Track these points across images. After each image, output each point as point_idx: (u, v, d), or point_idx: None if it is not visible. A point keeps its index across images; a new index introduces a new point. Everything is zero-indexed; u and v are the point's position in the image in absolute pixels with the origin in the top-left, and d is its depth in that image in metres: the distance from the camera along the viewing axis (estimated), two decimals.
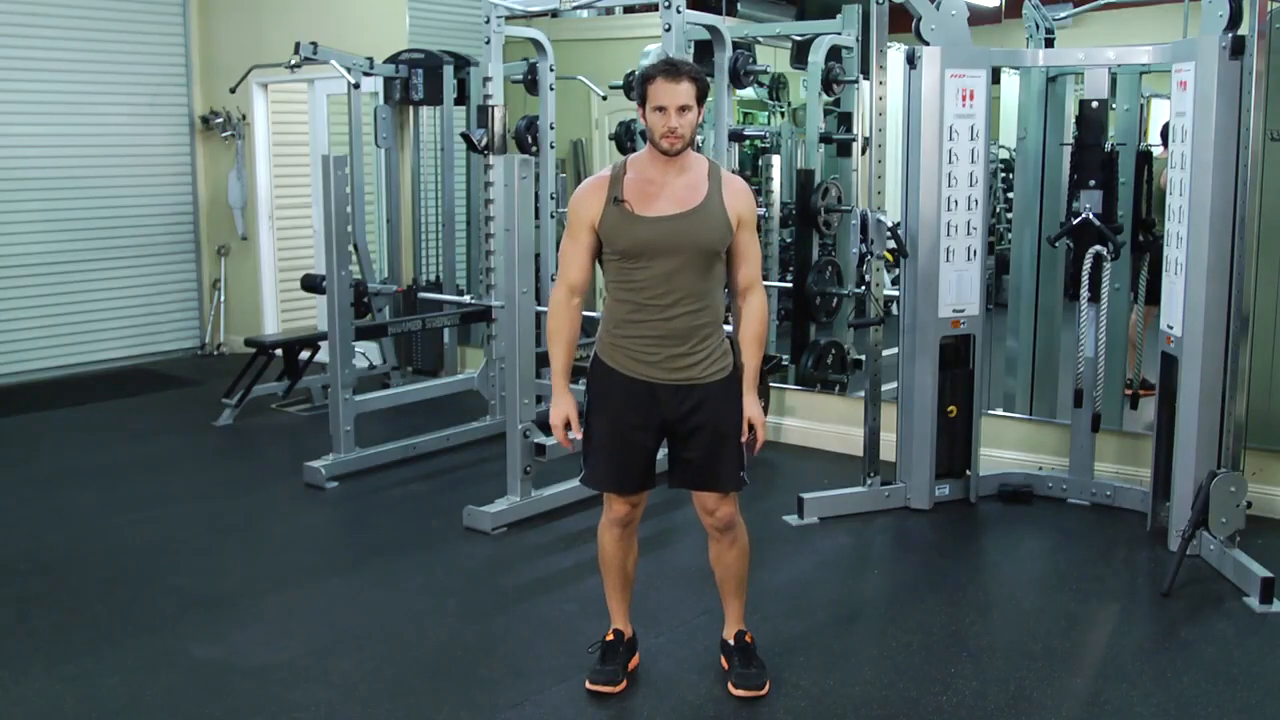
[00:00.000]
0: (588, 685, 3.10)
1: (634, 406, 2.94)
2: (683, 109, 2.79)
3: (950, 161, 4.44)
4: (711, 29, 5.31)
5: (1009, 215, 5.92)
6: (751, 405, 2.98)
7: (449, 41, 6.87)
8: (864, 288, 4.61)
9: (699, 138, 5.33)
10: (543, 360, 5.38)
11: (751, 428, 2.97)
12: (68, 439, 5.96)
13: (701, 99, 2.84)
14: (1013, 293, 5.30)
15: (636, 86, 2.88)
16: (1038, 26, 4.88)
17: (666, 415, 2.94)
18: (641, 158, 2.92)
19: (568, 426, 2.98)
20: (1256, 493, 4.19)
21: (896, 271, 4.69)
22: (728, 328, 3.04)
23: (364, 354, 6.55)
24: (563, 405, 2.98)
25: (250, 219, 7.95)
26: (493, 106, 5.40)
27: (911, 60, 4.41)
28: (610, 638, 3.18)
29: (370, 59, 6.52)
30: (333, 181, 4.91)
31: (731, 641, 3.16)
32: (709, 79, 2.94)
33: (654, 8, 5.05)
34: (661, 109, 2.80)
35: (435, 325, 6.01)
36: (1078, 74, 4.77)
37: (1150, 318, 4.75)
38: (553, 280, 5.84)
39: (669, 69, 2.81)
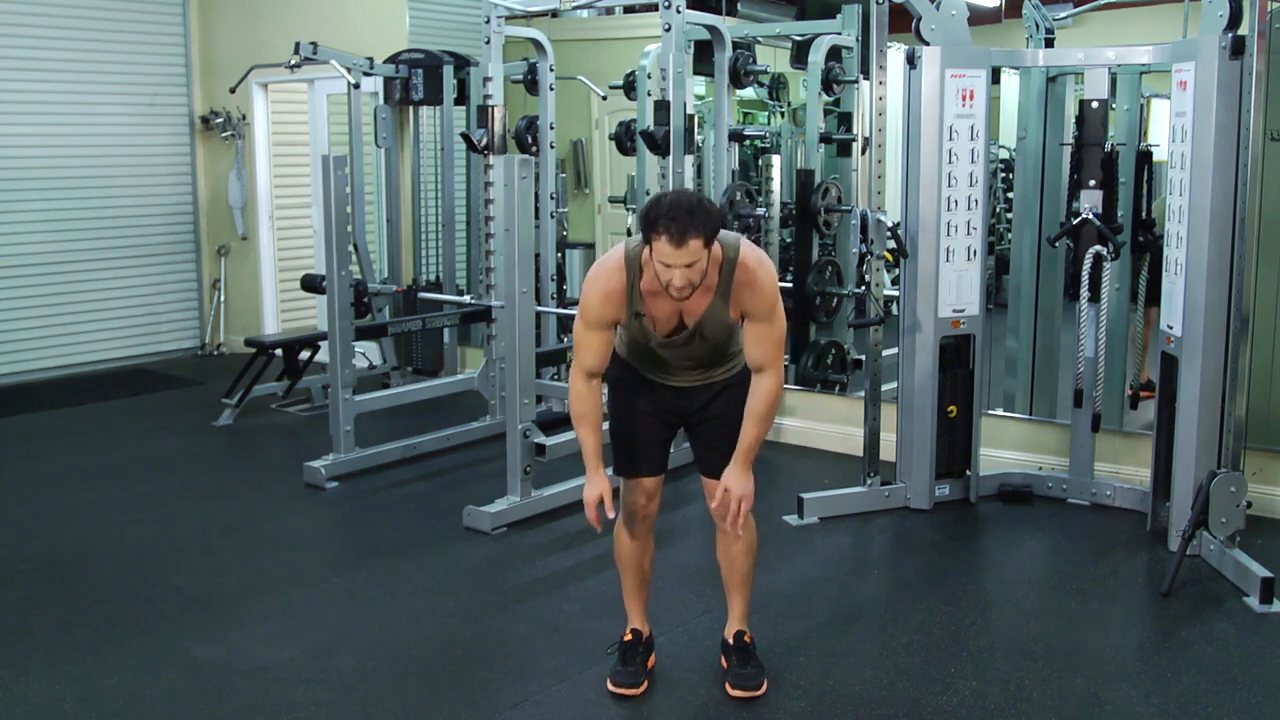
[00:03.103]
0: (610, 686, 3.09)
1: (648, 395, 3.00)
2: (689, 266, 2.60)
3: (950, 161, 4.44)
4: (711, 29, 5.32)
5: (1009, 215, 5.92)
6: (734, 475, 2.85)
7: (449, 41, 6.87)
8: (864, 288, 4.61)
9: (699, 137, 5.35)
10: (542, 360, 5.42)
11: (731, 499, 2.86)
12: (68, 439, 5.96)
13: (711, 242, 2.61)
14: (1013, 293, 5.30)
15: (640, 223, 2.64)
16: (1038, 26, 4.88)
17: (683, 409, 3.00)
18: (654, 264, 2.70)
19: (600, 504, 2.87)
20: (1256, 493, 4.19)
21: (896, 271, 4.69)
22: None
23: (364, 354, 6.55)
24: (596, 484, 2.87)
25: (250, 219, 7.95)
26: (493, 106, 5.40)
27: (911, 60, 4.41)
28: (629, 638, 3.16)
29: (370, 59, 6.53)
30: (333, 181, 4.91)
31: (731, 641, 3.16)
32: (719, 218, 2.67)
33: (654, 8, 5.05)
34: (666, 265, 2.61)
35: (435, 325, 6.01)
36: (1078, 74, 4.77)
37: (1152, 320, 4.75)
38: (553, 280, 5.88)
39: (672, 230, 2.54)
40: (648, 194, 5.60)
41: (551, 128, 5.77)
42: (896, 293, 4.70)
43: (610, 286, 2.77)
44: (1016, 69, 5.05)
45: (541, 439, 4.45)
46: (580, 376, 2.90)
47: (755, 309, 2.79)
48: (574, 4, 5.73)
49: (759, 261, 2.79)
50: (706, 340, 2.87)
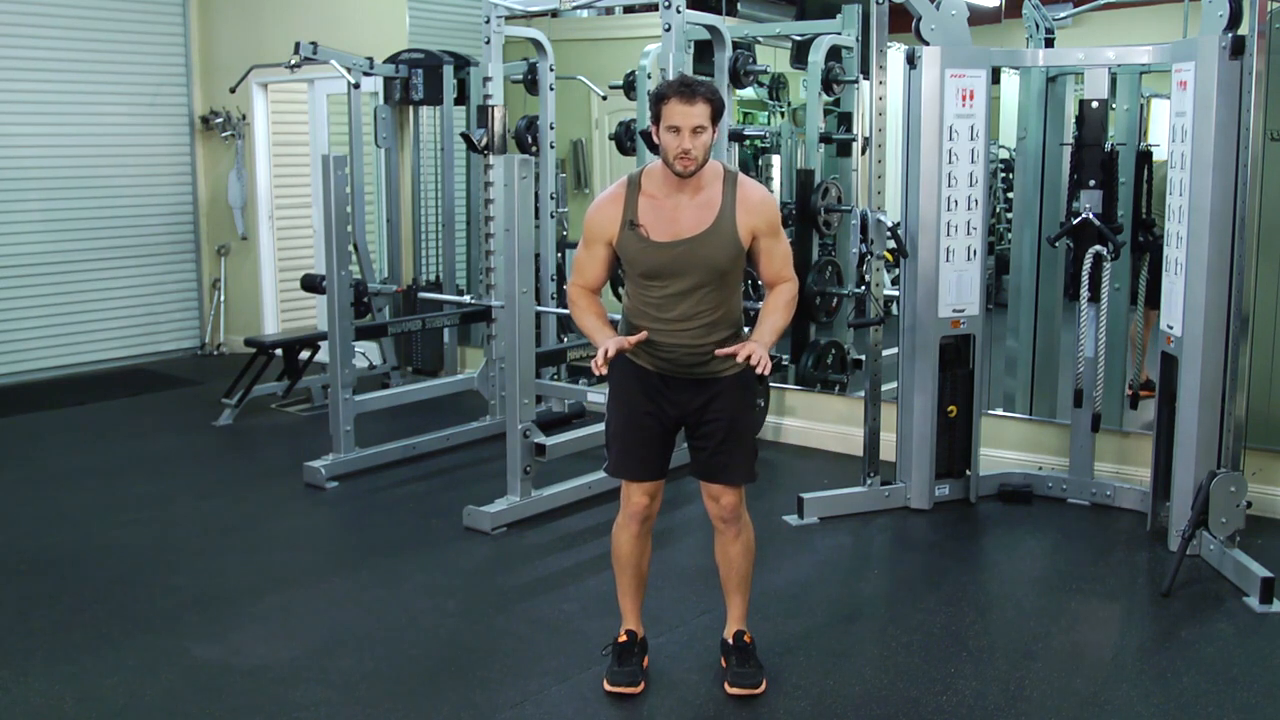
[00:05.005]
0: (607, 687, 3.09)
1: (649, 395, 3.00)
2: (697, 130, 2.78)
3: (950, 161, 4.44)
4: (711, 29, 5.31)
5: (1009, 215, 5.92)
6: (753, 343, 2.83)
7: (449, 41, 6.88)
8: (864, 288, 4.62)
9: None
10: (542, 360, 5.42)
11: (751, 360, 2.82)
12: (68, 439, 5.96)
13: (716, 119, 2.82)
14: (1013, 293, 5.30)
15: (651, 105, 2.86)
16: (1038, 26, 4.88)
17: (682, 408, 3.00)
18: (656, 172, 2.91)
19: (607, 354, 2.83)
20: (1256, 493, 4.19)
21: (896, 271, 4.69)
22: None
23: (364, 354, 6.55)
24: (607, 339, 2.86)
25: (250, 219, 7.95)
26: (493, 106, 5.40)
27: (911, 60, 4.41)
28: (624, 639, 3.16)
29: (370, 59, 6.53)
30: (333, 181, 4.91)
31: (731, 641, 3.16)
32: (723, 100, 2.91)
33: (654, 8, 5.05)
34: (675, 129, 2.78)
35: (435, 325, 6.02)
36: (1078, 74, 4.77)
37: (1151, 320, 4.75)
38: (553, 280, 5.88)
39: (684, 89, 2.79)
40: None
41: (551, 128, 5.77)
42: (896, 293, 4.70)
43: (611, 192, 2.95)
44: (1016, 69, 5.05)
45: (541, 439, 4.45)
46: (576, 288, 3.00)
47: (762, 223, 2.91)
48: (574, 4, 5.74)
49: (758, 185, 3.00)
50: (705, 266, 2.86)
